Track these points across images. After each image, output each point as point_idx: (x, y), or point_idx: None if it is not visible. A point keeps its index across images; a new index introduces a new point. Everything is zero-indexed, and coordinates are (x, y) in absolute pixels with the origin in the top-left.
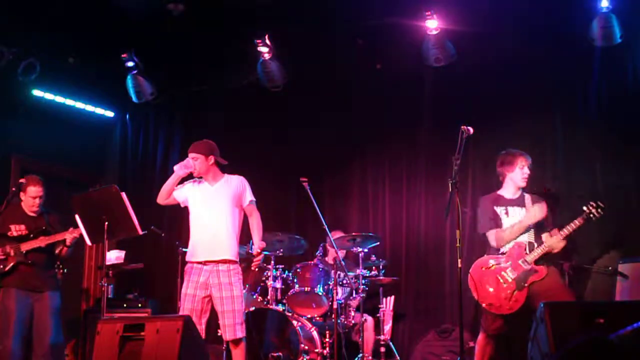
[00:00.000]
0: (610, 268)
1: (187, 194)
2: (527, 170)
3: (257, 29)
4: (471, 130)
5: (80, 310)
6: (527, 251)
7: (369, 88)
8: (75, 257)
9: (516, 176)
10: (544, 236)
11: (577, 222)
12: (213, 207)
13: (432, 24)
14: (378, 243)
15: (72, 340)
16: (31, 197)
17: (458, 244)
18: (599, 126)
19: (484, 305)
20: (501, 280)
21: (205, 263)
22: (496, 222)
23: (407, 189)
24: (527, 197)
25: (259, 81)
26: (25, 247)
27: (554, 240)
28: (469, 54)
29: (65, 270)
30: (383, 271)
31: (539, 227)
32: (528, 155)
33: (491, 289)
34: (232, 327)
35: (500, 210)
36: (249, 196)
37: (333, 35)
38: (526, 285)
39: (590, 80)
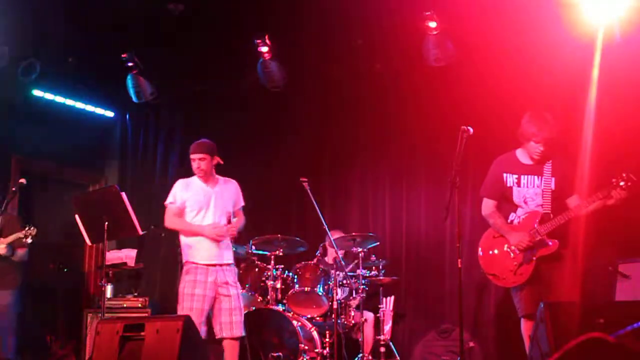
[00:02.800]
0: (610, 268)
1: (183, 197)
2: (540, 148)
3: (257, 29)
4: (471, 130)
5: (80, 310)
6: (540, 222)
7: (369, 88)
8: (75, 257)
9: (530, 147)
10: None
11: (599, 195)
12: (217, 210)
13: (432, 24)
14: (378, 243)
15: (72, 340)
16: None
17: (458, 244)
18: (598, 126)
19: (488, 276)
20: (508, 251)
21: (212, 265)
22: (501, 191)
23: (407, 189)
24: (549, 163)
25: (259, 81)
26: None
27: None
28: (469, 54)
29: (65, 270)
30: (383, 271)
31: (557, 198)
32: (550, 129)
33: (498, 260)
34: (239, 324)
35: (511, 178)
36: (241, 201)
37: (333, 35)
38: (534, 258)
39: (590, 80)
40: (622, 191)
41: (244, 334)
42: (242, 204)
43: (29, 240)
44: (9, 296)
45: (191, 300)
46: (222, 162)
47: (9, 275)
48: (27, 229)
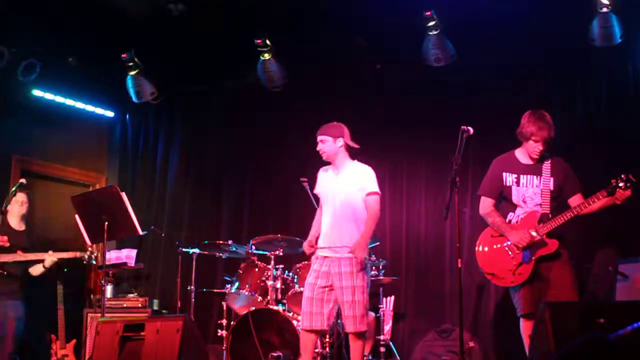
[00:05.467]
0: (610, 268)
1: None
2: (540, 147)
3: (257, 29)
4: (471, 130)
5: (80, 310)
6: (540, 223)
7: (369, 88)
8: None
9: (529, 147)
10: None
11: (599, 195)
12: (336, 196)
13: (432, 24)
14: (378, 243)
15: (72, 340)
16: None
17: (458, 244)
18: (598, 126)
19: (486, 275)
20: (507, 249)
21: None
22: (499, 190)
23: (407, 189)
24: (548, 163)
25: (259, 81)
26: (2, 258)
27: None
28: (469, 54)
29: (65, 270)
30: (383, 271)
31: (556, 198)
32: (549, 129)
33: (496, 259)
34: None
35: (510, 178)
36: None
37: (333, 35)
38: (533, 258)
39: (590, 80)
40: (625, 191)
41: (359, 329)
42: (370, 190)
43: (85, 262)
44: (23, 306)
45: (305, 289)
46: (354, 145)
47: (18, 284)
48: (89, 252)
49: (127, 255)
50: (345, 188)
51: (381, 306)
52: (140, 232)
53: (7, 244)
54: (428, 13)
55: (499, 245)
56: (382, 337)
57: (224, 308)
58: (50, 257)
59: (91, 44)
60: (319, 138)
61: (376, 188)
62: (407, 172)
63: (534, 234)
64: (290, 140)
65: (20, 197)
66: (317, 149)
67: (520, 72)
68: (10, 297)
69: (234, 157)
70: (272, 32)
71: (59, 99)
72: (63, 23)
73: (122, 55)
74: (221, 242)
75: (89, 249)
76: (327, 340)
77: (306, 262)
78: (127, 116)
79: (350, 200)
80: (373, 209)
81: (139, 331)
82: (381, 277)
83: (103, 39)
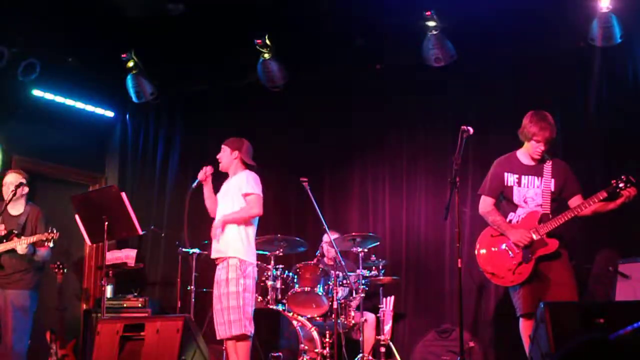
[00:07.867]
0: (610, 268)
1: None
2: (541, 147)
3: (257, 29)
4: (471, 130)
5: (80, 310)
6: (540, 223)
7: (369, 88)
8: (75, 257)
9: (531, 147)
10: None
11: (599, 196)
12: (223, 203)
13: (432, 24)
14: (378, 243)
15: (72, 340)
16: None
17: (458, 244)
18: (598, 126)
19: (486, 274)
20: (507, 249)
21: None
22: (500, 190)
23: (407, 189)
24: (549, 165)
25: (259, 81)
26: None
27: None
28: (469, 54)
29: (65, 270)
30: (383, 271)
31: (557, 199)
32: (551, 130)
33: (496, 258)
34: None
35: (512, 178)
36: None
37: (333, 35)
38: (533, 257)
39: (590, 80)
40: (628, 190)
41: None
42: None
43: (51, 245)
44: (27, 297)
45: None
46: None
47: (27, 275)
48: (49, 231)
49: (127, 255)
50: (229, 195)
51: (381, 306)
52: (140, 232)
53: (4, 232)
54: (428, 13)
55: (499, 246)
56: (382, 337)
57: None
58: (20, 245)
59: (91, 44)
60: (222, 147)
61: (252, 189)
62: (407, 172)
63: (534, 235)
64: (290, 140)
65: (9, 178)
66: (217, 156)
67: (520, 72)
68: (13, 287)
69: None
70: (272, 32)
71: (59, 99)
72: (63, 23)
73: (122, 55)
74: None
75: (50, 229)
76: (327, 340)
77: (306, 263)
78: (127, 116)
79: (234, 207)
80: (247, 205)
81: (139, 331)
82: (381, 277)
83: (103, 39)
